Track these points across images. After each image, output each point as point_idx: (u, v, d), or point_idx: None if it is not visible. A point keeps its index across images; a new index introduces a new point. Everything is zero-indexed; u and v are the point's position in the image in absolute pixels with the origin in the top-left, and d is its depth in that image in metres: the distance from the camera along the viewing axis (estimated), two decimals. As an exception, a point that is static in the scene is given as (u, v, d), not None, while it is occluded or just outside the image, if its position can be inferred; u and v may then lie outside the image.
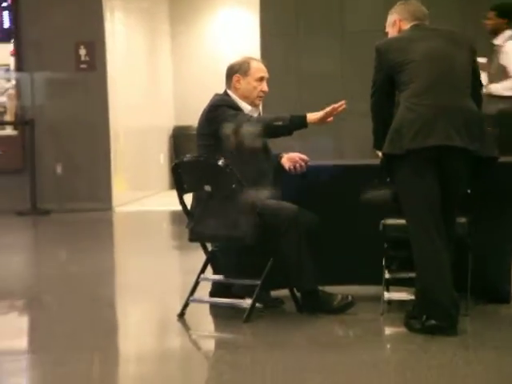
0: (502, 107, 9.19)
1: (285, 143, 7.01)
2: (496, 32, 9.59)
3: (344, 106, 6.28)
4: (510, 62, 9.39)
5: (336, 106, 6.25)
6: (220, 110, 6.38)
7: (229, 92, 6.54)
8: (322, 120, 6.31)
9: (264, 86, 6.56)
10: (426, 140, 5.72)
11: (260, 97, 6.58)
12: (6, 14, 13.51)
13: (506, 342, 5.89)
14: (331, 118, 6.36)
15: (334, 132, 11.65)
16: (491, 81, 9.46)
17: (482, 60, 9.06)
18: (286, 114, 6.43)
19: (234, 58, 6.80)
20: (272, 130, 6.37)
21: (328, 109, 6.27)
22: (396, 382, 5.06)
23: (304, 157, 6.66)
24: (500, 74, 9.41)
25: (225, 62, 6.72)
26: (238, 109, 6.43)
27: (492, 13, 9.71)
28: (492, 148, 6.14)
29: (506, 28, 9.56)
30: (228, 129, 6.23)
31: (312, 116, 6.29)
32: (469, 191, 6.01)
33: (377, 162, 6.14)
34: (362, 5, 12.42)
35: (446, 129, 5.73)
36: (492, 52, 9.53)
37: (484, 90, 8.92)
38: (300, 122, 6.33)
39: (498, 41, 9.57)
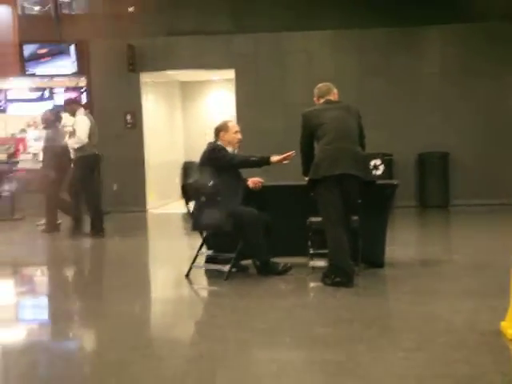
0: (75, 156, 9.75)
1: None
2: (74, 113, 9.79)
3: (294, 154, 6.28)
4: (76, 127, 9.61)
5: (289, 153, 6.29)
6: (221, 151, 6.36)
7: (218, 142, 6.50)
8: (280, 161, 6.36)
9: (239, 135, 6.54)
10: (334, 170, 5.74)
11: (238, 142, 6.56)
12: (84, 94, 13.43)
13: (381, 291, 5.94)
14: (287, 161, 6.37)
15: (282, 164, 11.67)
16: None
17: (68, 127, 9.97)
18: (259, 154, 6.46)
19: (220, 119, 6.79)
20: (249, 163, 6.40)
21: (285, 155, 6.31)
22: (316, 314, 5.05)
23: (261, 180, 6.63)
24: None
25: (214, 122, 6.70)
26: (226, 151, 6.42)
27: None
28: (371, 175, 6.17)
29: (80, 108, 9.91)
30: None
31: (274, 158, 6.34)
32: (359, 201, 5.99)
33: (305, 183, 6.10)
34: (296, 85, 12.44)
35: (344, 163, 5.76)
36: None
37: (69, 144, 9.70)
38: (266, 161, 6.36)
39: (75, 116, 9.78)
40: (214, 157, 6.36)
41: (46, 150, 10.15)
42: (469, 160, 12.41)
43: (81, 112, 9.83)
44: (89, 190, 9.61)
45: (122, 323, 4.89)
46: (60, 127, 10.43)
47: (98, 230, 9.55)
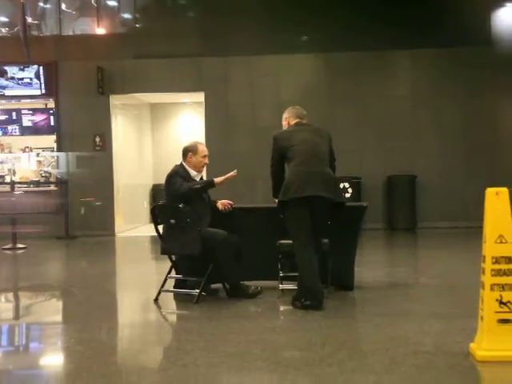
0: None
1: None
2: None
3: (235, 174, 6.27)
4: None
5: (231, 173, 6.27)
6: (174, 178, 6.30)
7: (183, 163, 6.46)
8: (223, 182, 6.28)
9: (206, 160, 6.51)
10: (303, 192, 5.73)
11: (203, 166, 6.54)
12: (52, 117, 13.31)
13: (350, 313, 5.92)
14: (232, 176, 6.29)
15: (251, 187, 11.74)
16: None
17: None
18: (202, 180, 6.46)
19: (189, 141, 6.73)
20: (194, 190, 6.23)
21: (227, 175, 6.27)
22: (287, 337, 5.03)
23: (231, 202, 6.61)
24: None
25: (183, 145, 6.63)
26: (186, 175, 6.35)
27: None
28: (341, 196, 6.17)
29: None
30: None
31: (217, 179, 6.28)
32: (329, 223, 6.00)
33: (274, 205, 6.10)
34: (266, 109, 12.52)
35: (314, 185, 5.76)
36: None
37: None
38: (211, 184, 6.31)
39: None
40: (167, 183, 6.35)
41: None
42: (436, 183, 12.61)
43: None
44: None
45: (90, 350, 4.80)
46: None
47: None
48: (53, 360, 4.82)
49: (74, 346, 4.96)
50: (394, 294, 6.56)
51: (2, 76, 13.03)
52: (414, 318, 5.47)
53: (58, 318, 6.34)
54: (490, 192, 4.24)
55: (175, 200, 6.20)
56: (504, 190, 4.24)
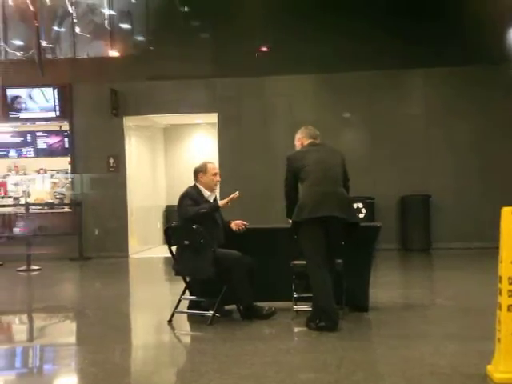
0: None
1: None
2: None
3: (238, 195, 6.30)
4: None
5: (234, 195, 6.29)
6: (184, 200, 6.34)
7: (196, 184, 6.49)
8: (227, 204, 6.33)
9: (217, 177, 6.55)
10: (317, 212, 5.73)
11: (215, 184, 6.56)
12: (66, 139, 13.41)
13: (365, 335, 5.88)
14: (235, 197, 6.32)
15: (265, 207, 11.76)
16: None
17: None
18: (207, 204, 6.37)
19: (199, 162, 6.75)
20: (201, 214, 6.20)
21: (230, 197, 6.31)
22: (302, 359, 4.98)
23: (245, 222, 6.61)
24: None
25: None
26: (198, 196, 6.37)
27: None
28: (355, 217, 6.16)
29: None
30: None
31: (221, 203, 6.38)
32: (343, 243, 5.98)
33: (288, 225, 6.09)
34: (279, 129, 12.55)
35: (328, 205, 5.75)
36: None
37: None
38: (216, 208, 6.34)
39: None
40: (178, 205, 6.39)
41: None
42: (450, 203, 12.52)
43: None
44: None
45: (104, 371, 4.79)
46: None
47: None
48: (67, 382, 4.83)
49: (88, 367, 4.96)
50: (409, 316, 6.51)
51: (17, 99, 13.17)
52: (430, 339, 5.43)
53: (72, 339, 6.35)
54: (506, 211, 4.21)
55: (185, 222, 6.22)
56: (520, 209, 4.21)
